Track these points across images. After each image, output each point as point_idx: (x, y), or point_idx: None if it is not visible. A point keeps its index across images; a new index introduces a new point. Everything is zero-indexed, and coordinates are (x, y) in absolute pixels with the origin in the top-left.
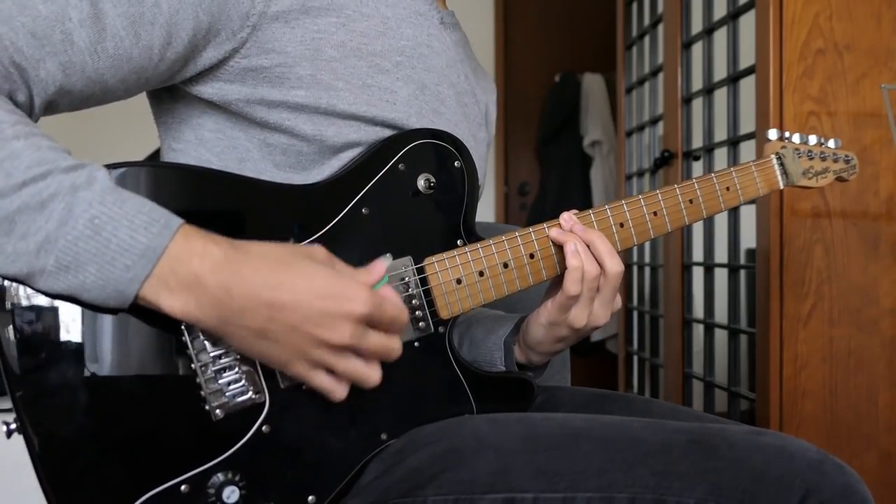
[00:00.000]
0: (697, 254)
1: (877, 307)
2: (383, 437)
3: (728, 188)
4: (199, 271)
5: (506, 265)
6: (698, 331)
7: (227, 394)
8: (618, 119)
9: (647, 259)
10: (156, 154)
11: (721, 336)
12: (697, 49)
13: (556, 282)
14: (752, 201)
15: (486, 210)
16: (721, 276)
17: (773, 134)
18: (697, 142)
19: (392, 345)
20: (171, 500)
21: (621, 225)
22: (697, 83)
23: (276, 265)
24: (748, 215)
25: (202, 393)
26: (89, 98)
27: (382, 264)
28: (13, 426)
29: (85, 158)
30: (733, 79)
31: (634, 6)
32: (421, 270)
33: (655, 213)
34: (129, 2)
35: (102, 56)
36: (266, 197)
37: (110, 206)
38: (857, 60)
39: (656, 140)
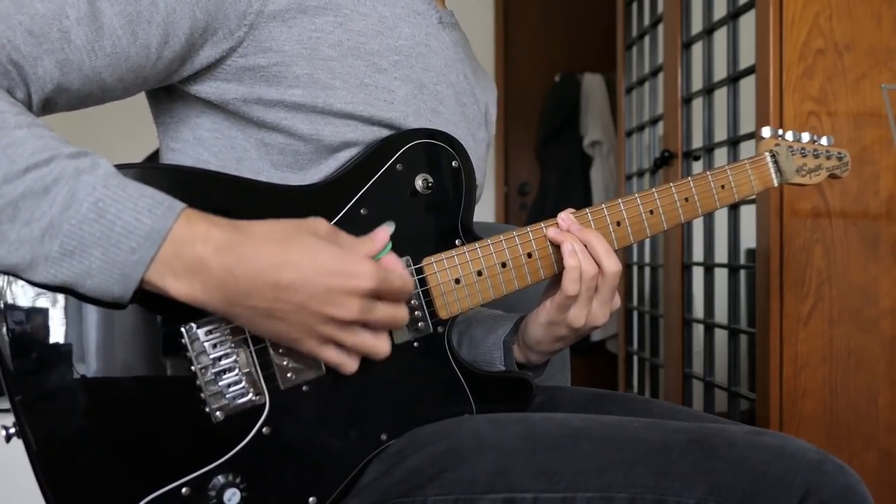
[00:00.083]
0: (697, 254)
1: (877, 307)
2: (383, 437)
3: (723, 186)
4: (202, 255)
5: (504, 265)
6: (698, 331)
7: (227, 396)
8: (618, 119)
9: (646, 259)
10: (155, 155)
11: (721, 336)
12: (697, 49)
13: (555, 281)
14: (747, 199)
15: (486, 210)
16: (721, 276)
17: (766, 132)
18: (697, 142)
19: (399, 314)
20: (172, 503)
21: (618, 223)
22: (697, 83)
23: (280, 245)
24: (748, 215)
25: (202, 395)
26: (87, 97)
27: (385, 232)
28: (12, 430)
29: None
30: (733, 79)
31: (634, 6)
32: (420, 271)
33: (652, 212)
34: (126, 0)
35: (100, 54)
36: (264, 198)
37: (114, 190)
38: (857, 60)
39: (656, 140)
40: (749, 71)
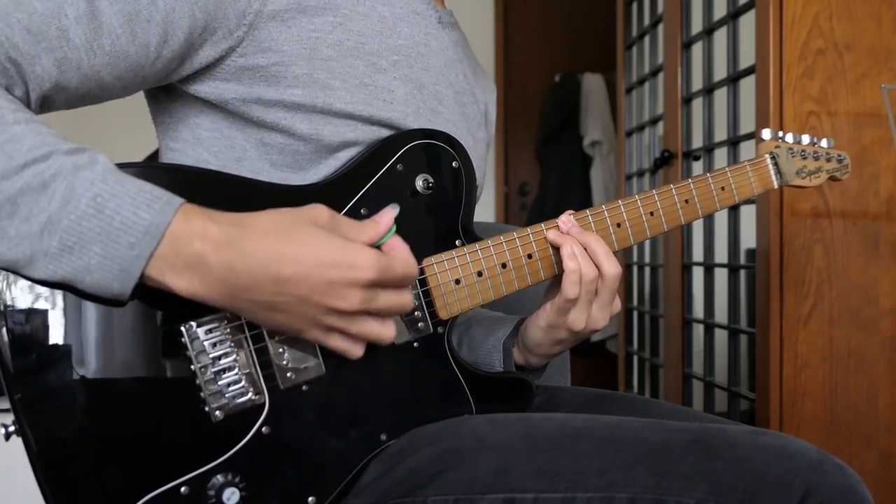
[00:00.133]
0: (697, 254)
1: (877, 307)
2: (383, 437)
3: (723, 188)
4: (201, 252)
5: (504, 265)
6: (698, 331)
7: (226, 395)
8: (618, 119)
9: (646, 259)
10: (155, 155)
11: (721, 336)
12: (697, 49)
13: (555, 284)
14: (747, 201)
15: (486, 210)
16: (721, 276)
17: (766, 133)
18: (697, 142)
19: (404, 300)
20: (172, 502)
21: (618, 225)
22: (697, 83)
23: (278, 238)
24: (748, 215)
25: (202, 394)
26: (85, 95)
27: (389, 215)
28: (12, 429)
29: None
30: (733, 79)
31: (634, 6)
32: (420, 271)
33: (652, 213)
34: None
35: (98, 53)
36: (265, 198)
37: (112, 185)
38: (857, 60)
39: (656, 140)
40: (749, 71)
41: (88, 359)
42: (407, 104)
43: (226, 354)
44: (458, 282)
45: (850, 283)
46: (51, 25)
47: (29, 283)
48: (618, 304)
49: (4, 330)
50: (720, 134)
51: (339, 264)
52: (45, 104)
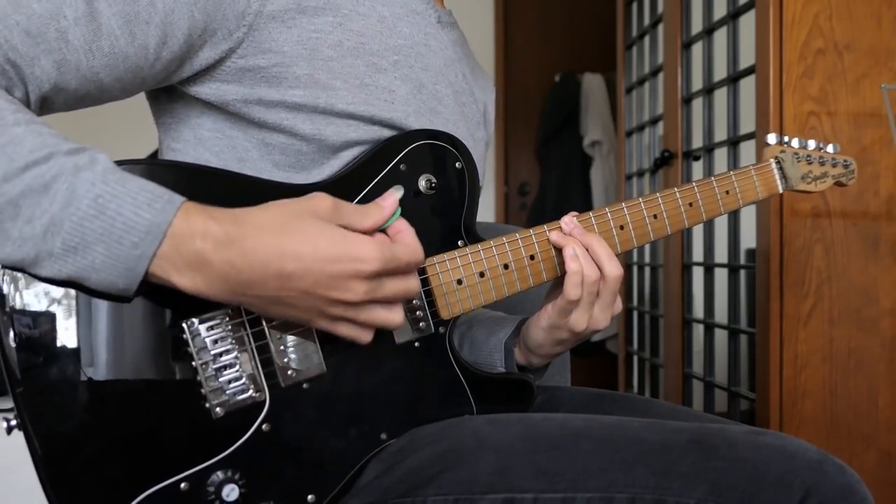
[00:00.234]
0: (697, 254)
1: (877, 307)
2: (383, 436)
3: (727, 192)
4: (202, 250)
5: (506, 266)
6: (698, 331)
7: (227, 392)
8: (618, 119)
9: (647, 259)
10: (155, 155)
11: (721, 336)
12: (697, 49)
13: (557, 285)
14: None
15: (486, 210)
16: (721, 276)
17: (772, 138)
18: (697, 142)
19: (410, 285)
20: (171, 498)
21: (621, 227)
22: (697, 83)
23: (279, 234)
24: (748, 215)
25: (202, 391)
26: (85, 97)
27: (393, 197)
28: (13, 423)
29: None
30: (733, 79)
31: (634, 6)
32: (422, 271)
33: (655, 216)
34: (123, 1)
35: (97, 55)
36: (267, 196)
37: (113, 185)
38: (857, 60)
39: (656, 140)
40: (749, 71)
41: (90, 355)
42: (407, 104)
43: (227, 351)
44: (459, 282)
45: (850, 283)
46: (49, 27)
47: (32, 279)
48: (619, 305)
49: (8, 325)
50: (720, 134)
51: (341, 258)
52: (44, 106)
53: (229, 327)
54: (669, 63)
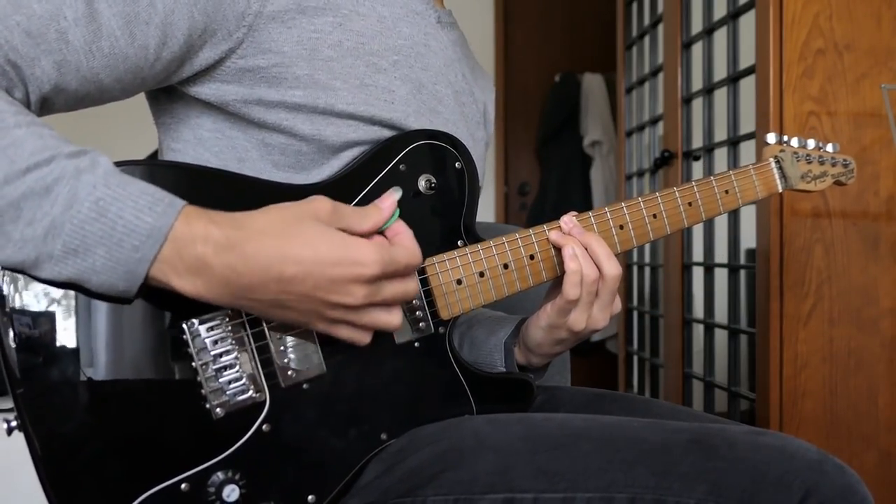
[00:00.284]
0: (697, 254)
1: (877, 307)
2: (383, 436)
3: (727, 191)
4: (203, 255)
5: (506, 266)
6: (698, 331)
7: (227, 392)
8: (618, 119)
9: (647, 259)
10: (155, 155)
11: (721, 336)
12: (697, 49)
13: (556, 285)
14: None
15: (486, 210)
16: (721, 276)
17: (771, 138)
18: (697, 142)
19: (409, 287)
20: (172, 499)
21: (621, 227)
22: (697, 83)
23: (279, 238)
24: (748, 215)
25: (203, 391)
26: (85, 97)
27: (392, 199)
28: (14, 423)
29: None
30: (733, 79)
31: (634, 6)
32: (421, 271)
33: (655, 216)
34: (123, 1)
35: (97, 55)
36: (267, 196)
37: (114, 189)
38: (857, 60)
39: (656, 140)
40: (749, 71)
41: (90, 355)
42: (407, 104)
43: (227, 352)
44: (459, 282)
45: (850, 283)
46: (50, 28)
47: (32, 280)
48: (618, 305)
49: (8, 326)
50: (720, 134)
51: (341, 261)
52: (44, 107)
53: (229, 328)
54: (669, 63)
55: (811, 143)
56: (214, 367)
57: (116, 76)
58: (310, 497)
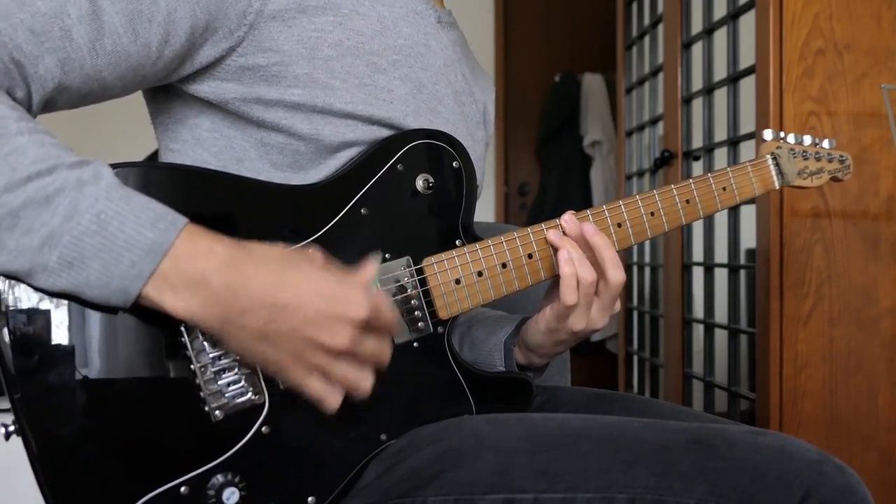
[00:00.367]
0: (697, 254)
1: (877, 307)
2: (383, 437)
3: (724, 188)
4: (204, 270)
5: (504, 265)
6: (698, 331)
7: (226, 395)
8: (618, 119)
9: (647, 259)
10: (154, 155)
11: (721, 336)
12: (697, 49)
13: (555, 285)
14: (748, 201)
15: (485, 210)
16: (721, 276)
17: (768, 134)
18: (697, 142)
19: (385, 350)
20: (171, 502)
21: (619, 225)
22: (697, 83)
23: (280, 266)
24: (748, 215)
25: (201, 394)
26: (87, 95)
27: (372, 266)
28: (11, 428)
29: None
30: (733, 79)
31: (634, 6)
32: (420, 271)
33: (653, 214)
34: None
35: (101, 53)
36: (265, 197)
37: (117, 202)
38: (857, 60)
39: (656, 140)
40: (749, 71)
41: (88, 358)
42: (407, 104)
43: (226, 354)
44: (458, 282)
45: (850, 283)
46: (54, 25)
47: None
48: (617, 305)
49: (5, 329)
50: (720, 134)
51: (334, 297)
52: (47, 105)
53: None
54: (669, 63)
55: (807, 140)
56: (213, 369)
57: (119, 74)
58: (310, 498)
